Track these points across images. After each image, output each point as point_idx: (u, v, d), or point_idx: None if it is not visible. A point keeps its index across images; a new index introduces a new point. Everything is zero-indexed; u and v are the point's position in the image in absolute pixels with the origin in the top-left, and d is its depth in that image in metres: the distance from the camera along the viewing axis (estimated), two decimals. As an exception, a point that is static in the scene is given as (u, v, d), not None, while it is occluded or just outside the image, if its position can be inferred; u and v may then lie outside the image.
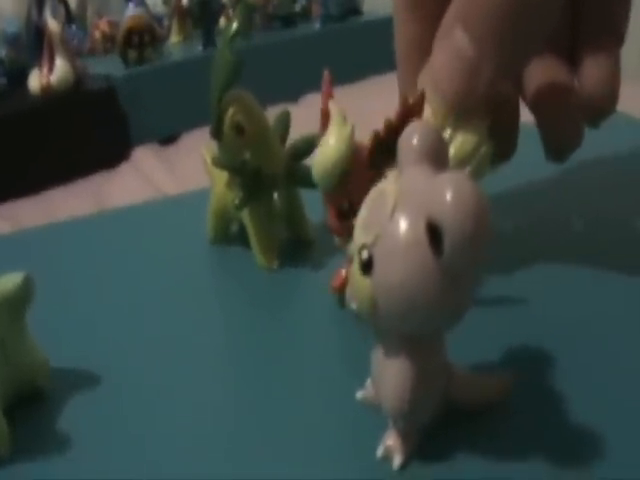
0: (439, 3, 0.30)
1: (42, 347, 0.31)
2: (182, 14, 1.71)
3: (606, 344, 0.30)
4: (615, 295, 0.33)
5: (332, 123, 0.29)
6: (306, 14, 1.71)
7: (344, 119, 0.29)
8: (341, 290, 0.33)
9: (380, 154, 0.28)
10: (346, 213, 0.29)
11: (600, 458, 0.24)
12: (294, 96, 1.10)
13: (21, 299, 0.30)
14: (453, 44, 0.29)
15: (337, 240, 0.31)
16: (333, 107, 0.30)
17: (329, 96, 0.30)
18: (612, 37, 0.33)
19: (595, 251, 0.37)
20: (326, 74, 0.31)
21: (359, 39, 1.58)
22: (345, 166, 0.29)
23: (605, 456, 0.24)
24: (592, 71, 0.32)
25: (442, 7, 0.30)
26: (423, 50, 0.31)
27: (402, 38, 0.34)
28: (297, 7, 1.71)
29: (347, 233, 0.29)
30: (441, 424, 0.26)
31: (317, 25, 1.66)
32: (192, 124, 1.05)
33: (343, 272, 0.33)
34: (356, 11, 1.69)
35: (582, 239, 0.39)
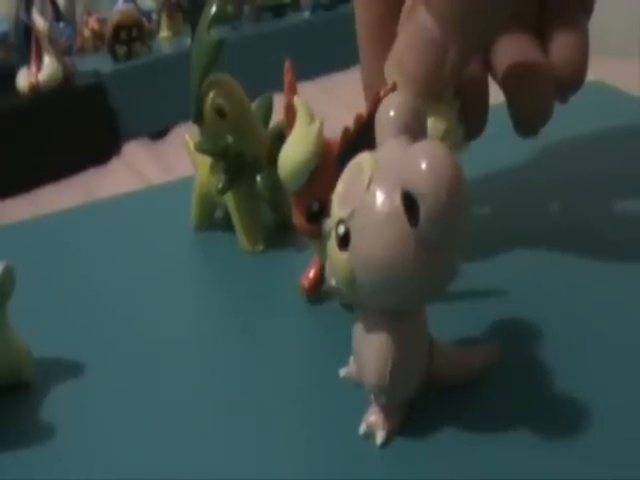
0: None
1: (25, 337, 0.31)
2: (171, 8, 1.70)
3: (588, 316, 0.30)
4: (597, 270, 0.33)
5: (298, 120, 0.28)
6: (295, 3, 1.71)
7: (311, 115, 0.28)
8: (311, 291, 0.33)
9: (351, 150, 0.27)
10: (316, 214, 0.28)
11: (584, 427, 0.24)
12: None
13: (1, 290, 0.29)
14: (417, 27, 0.28)
15: (307, 240, 0.30)
16: (299, 103, 0.28)
17: (293, 90, 0.29)
18: (580, 8, 0.32)
19: (573, 228, 0.37)
20: (288, 66, 0.29)
21: (349, 27, 1.58)
22: (314, 165, 0.28)
23: (589, 425, 0.24)
24: (560, 46, 0.31)
25: None
26: (385, 35, 0.30)
27: (364, 23, 0.33)
28: (286, -4, 1.70)
29: (318, 234, 0.28)
30: (424, 399, 0.25)
31: (307, 14, 1.66)
32: (182, 118, 1.05)
33: (312, 272, 0.33)
34: (345, -1, 1.68)
35: (559, 219, 0.38)
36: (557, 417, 0.25)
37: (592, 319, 0.30)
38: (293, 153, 0.28)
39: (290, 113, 0.29)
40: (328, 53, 1.41)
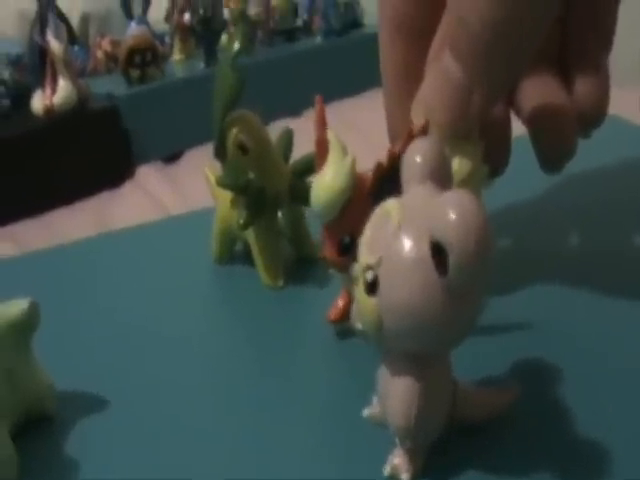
0: (426, 25, 0.30)
1: (48, 371, 0.31)
2: (184, 32, 1.71)
3: (614, 355, 0.30)
4: (616, 309, 0.33)
5: (331, 154, 0.28)
6: (307, 28, 1.72)
7: (344, 149, 0.29)
8: (338, 321, 0.33)
9: (383, 185, 0.27)
10: (348, 246, 0.28)
11: (605, 470, 0.24)
12: (297, 110, 1.11)
13: (27, 325, 0.30)
14: (442, 71, 0.29)
15: (335, 272, 0.30)
16: (332, 137, 0.29)
17: (324, 124, 0.29)
18: (602, 44, 0.33)
19: (595, 264, 0.37)
20: (318, 99, 0.30)
21: (361, 52, 1.59)
22: (346, 196, 0.28)
23: (612, 470, 0.24)
24: (583, 83, 0.32)
25: (429, 29, 0.30)
26: (410, 73, 0.31)
27: (389, 61, 0.33)
28: (299, 21, 1.71)
29: (348, 267, 0.28)
30: (447, 440, 0.26)
31: (319, 39, 1.67)
32: (195, 141, 1.05)
33: (340, 303, 0.33)
34: (357, 24, 1.70)
35: (581, 252, 0.39)
36: (581, 458, 0.25)
37: (619, 358, 0.30)
38: (327, 185, 0.28)
39: (322, 147, 0.29)
40: (340, 78, 1.42)
